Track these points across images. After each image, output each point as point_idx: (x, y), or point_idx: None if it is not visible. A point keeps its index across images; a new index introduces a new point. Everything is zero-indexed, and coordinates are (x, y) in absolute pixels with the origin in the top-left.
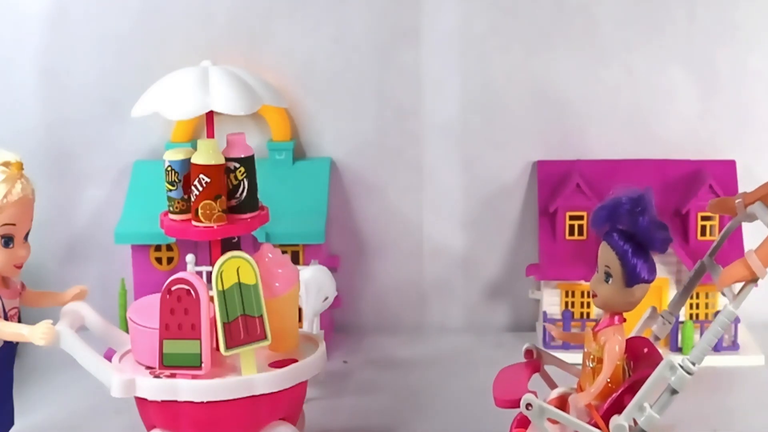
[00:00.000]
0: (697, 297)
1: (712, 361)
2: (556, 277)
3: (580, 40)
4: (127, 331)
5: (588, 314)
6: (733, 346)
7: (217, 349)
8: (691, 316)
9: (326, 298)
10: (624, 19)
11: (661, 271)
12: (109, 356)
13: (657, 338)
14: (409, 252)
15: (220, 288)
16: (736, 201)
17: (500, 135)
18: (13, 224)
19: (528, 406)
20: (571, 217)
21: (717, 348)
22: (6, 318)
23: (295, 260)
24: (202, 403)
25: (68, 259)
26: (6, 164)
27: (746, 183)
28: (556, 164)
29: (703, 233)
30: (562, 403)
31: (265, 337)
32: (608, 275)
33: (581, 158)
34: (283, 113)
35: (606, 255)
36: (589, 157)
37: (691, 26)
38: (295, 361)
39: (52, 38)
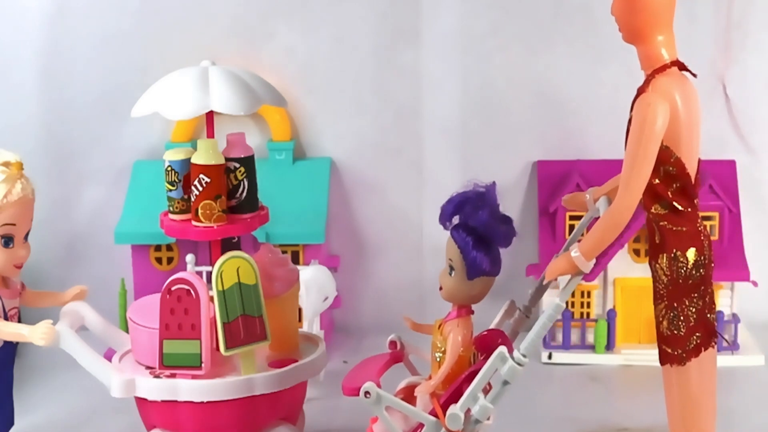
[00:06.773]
0: None
1: None
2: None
3: (580, 40)
4: (127, 331)
5: (588, 314)
6: (733, 346)
7: (217, 349)
8: None
9: (326, 298)
10: None
11: None
12: (109, 356)
13: (516, 332)
14: (409, 252)
15: (220, 288)
16: (587, 196)
17: (500, 135)
18: (13, 224)
19: (366, 394)
20: (571, 217)
21: (717, 348)
22: (6, 318)
23: (295, 260)
24: (202, 403)
25: (68, 259)
26: (6, 164)
27: (746, 183)
28: (556, 164)
29: None
30: (409, 392)
31: (265, 337)
32: (452, 268)
33: (581, 158)
34: (283, 113)
35: (450, 248)
36: (589, 157)
37: (691, 26)
38: (295, 361)
39: (52, 38)
